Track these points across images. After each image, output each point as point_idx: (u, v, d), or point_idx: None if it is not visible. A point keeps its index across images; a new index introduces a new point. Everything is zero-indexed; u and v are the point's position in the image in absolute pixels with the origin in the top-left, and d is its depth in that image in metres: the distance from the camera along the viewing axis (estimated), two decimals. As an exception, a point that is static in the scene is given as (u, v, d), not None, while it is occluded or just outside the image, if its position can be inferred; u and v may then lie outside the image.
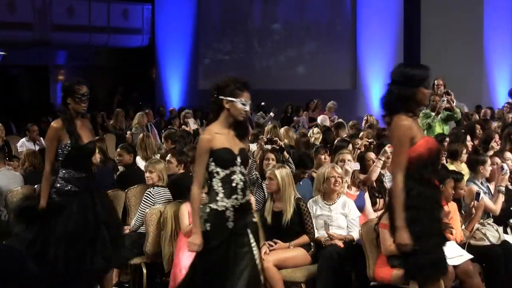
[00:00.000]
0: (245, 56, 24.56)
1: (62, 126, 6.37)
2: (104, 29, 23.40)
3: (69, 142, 6.35)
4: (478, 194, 7.43)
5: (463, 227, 7.29)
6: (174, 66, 24.56)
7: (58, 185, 6.38)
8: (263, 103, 19.76)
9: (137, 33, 24.77)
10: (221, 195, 5.15)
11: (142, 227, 7.77)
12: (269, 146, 8.89)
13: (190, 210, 7.03)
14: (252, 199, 5.76)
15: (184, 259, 6.88)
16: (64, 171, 6.39)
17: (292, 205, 6.99)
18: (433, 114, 11.44)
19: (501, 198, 7.71)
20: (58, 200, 6.34)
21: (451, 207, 7.01)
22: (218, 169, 5.19)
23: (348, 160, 7.96)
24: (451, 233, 6.86)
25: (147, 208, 7.68)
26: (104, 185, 7.99)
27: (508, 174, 7.94)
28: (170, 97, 24.48)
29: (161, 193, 7.94)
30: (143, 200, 7.85)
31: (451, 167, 8.49)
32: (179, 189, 7.74)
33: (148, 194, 7.87)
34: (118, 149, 9.80)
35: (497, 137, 10.17)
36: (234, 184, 5.17)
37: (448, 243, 6.67)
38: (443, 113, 11.60)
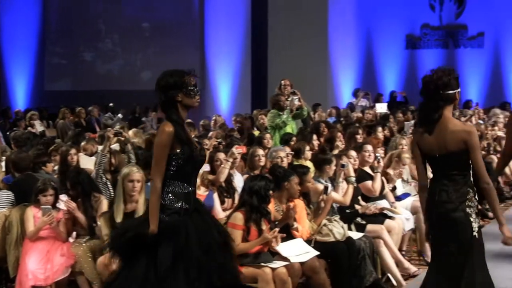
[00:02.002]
0: (92, 56, 24.23)
1: (174, 131, 5.14)
2: None
3: (180, 150, 5.16)
4: (326, 188, 7.60)
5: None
6: (19, 67, 23.90)
7: (166, 202, 5.18)
8: (111, 104, 19.52)
9: (-19, 33, 23.99)
10: None
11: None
12: (117, 147, 8.84)
13: (36, 214, 6.90)
14: None
15: (31, 264, 6.75)
16: (174, 185, 5.22)
17: (143, 205, 6.92)
18: (281, 113, 11.65)
19: (351, 188, 7.92)
20: (170, 220, 5.14)
21: (298, 204, 7.13)
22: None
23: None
24: (297, 231, 6.99)
25: (-9, 213, 7.42)
26: None
27: (350, 167, 8.16)
28: (16, 98, 23.78)
29: (4, 196, 7.68)
30: (-14, 205, 7.59)
31: (298, 163, 8.67)
32: (23, 192, 7.53)
33: (-9, 198, 7.61)
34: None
35: (341, 136, 10.45)
36: None
37: (295, 240, 6.85)
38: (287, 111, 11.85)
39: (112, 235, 5.49)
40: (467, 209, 5.06)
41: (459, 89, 5.17)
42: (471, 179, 5.15)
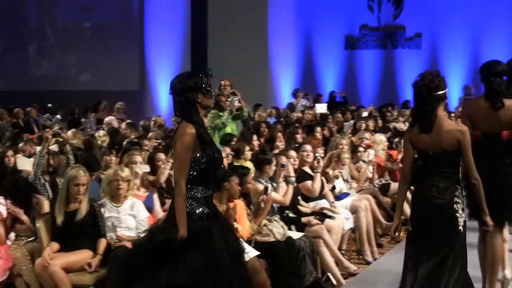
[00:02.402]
0: (31, 56, 23.94)
1: (196, 133, 5.10)
2: None
3: (200, 154, 5.10)
4: (266, 188, 7.62)
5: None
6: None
7: (188, 208, 5.07)
8: (50, 105, 19.28)
9: None
10: None
11: None
12: (56, 148, 8.75)
13: None
14: None
15: None
16: (194, 190, 5.15)
17: (86, 205, 6.89)
18: (221, 114, 11.64)
19: (291, 189, 7.95)
20: (195, 226, 5.05)
21: (238, 204, 7.14)
22: None
23: (140, 162, 7.96)
24: (237, 231, 6.99)
25: None
26: None
27: (290, 167, 8.21)
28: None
29: None
30: None
31: (238, 163, 8.68)
32: None
33: None
34: None
35: (281, 136, 10.49)
36: None
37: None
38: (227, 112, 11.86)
39: (138, 242, 5.36)
40: (455, 205, 5.43)
41: (447, 89, 5.54)
42: (460, 176, 5.51)
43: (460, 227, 5.44)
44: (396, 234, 6.03)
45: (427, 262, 5.47)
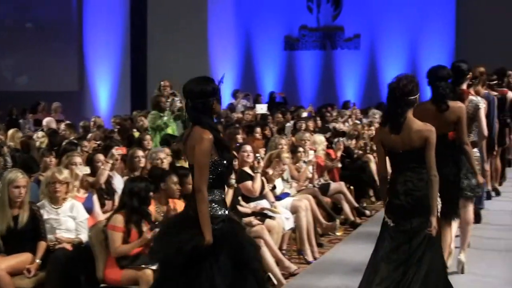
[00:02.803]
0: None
1: (213, 137, 5.13)
2: None
3: (218, 157, 5.15)
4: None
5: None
6: None
7: (212, 212, 5.13)
8: (-14, 106, 18.97)
9: None
10: None
11: None
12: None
13: None
14: None
15: None
16: (214, 193, 5.19)
17: (27, 209, 6.80)
18: (162, 114, 11.61)
19: (231, 191, 7.95)
20: (219, 229, 5.14)
21: (179, 205, 7.12)
22: None
23: (79, 164, 7.89)
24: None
25: None
26: None
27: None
28: None
29: None
30: None
31: (178, 164, 8.67)
32: None
33: None
34: None
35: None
36: None
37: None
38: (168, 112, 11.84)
39: (166, 254, 5.20)
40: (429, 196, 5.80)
41: (419, 93, 5.85)
42: None
43: (438, 214, 5.89)
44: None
45: (403, 252, 5.79)
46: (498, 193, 11.92)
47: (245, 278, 5.18)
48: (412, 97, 5.78)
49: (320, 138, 11.40)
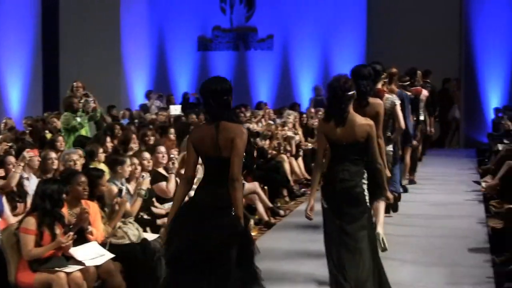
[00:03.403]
0: None
1: None
2: None
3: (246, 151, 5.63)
4: (120, 190, 7.59)
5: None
6: None
7: None
8: None
9: None
10: None
11: None
12: None
13: None
14: None
15: None
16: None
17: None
18: (75, 115, 11.49)
19: (139, 201, 7.92)
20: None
21: (92, 207, 7.09)
22: None
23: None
24: (92, 234, 6.95)
25: None
26: None
27: (148, 179, 8.21)
28: None
29: None
30: None
31: (92, 166, 8.60)
32: None
33: None
34: None
35: (135, 137, 10.47)
36: None
37: (89, 243, 6.80)
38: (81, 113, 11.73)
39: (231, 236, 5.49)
40: (363, 186, 6.44)
41: (354, 90, 6.49)
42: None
43: (367, 203, 6.50)
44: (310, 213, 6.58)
45: (342, 234, 6.39)
46: (405, 190, 12.43)
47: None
48: (351, 92, 6.40)
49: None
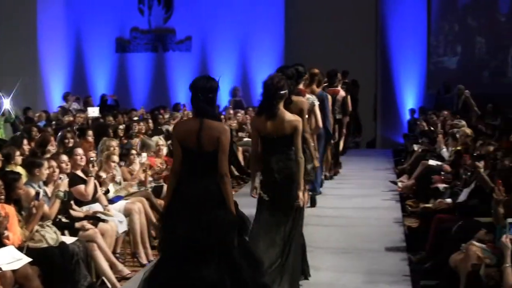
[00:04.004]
0: None
1: None
2: None
3: None
4: (37, 193, 7.48)
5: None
6: None
7: None
8: None
9: None
10: None
11: None
12: None
13: None
14: None
15: None
16: None
17: None
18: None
19: (58, 203, 7.83)
20: None
21: (9, 210, 6.97)
22: None
23: None
24: (8, 238, 6.83)
25: None
26: None
27: (66, 180, 8.12)
28: None
29: None
30: None
31: (8, 169, 8.44)
32: None
33: None
34: None
35: (53, 140, 10.33)
36: None
37: (6, 248, 6.68)
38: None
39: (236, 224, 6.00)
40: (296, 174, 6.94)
41: (287, 89, 7.05)
42: None
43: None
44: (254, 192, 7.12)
45: (273, 222, 6.96)
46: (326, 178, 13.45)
47: None
48: (283, 92, 6.95)
49: (153, 141, 11.42)
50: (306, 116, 7.85)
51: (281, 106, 6.98)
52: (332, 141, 13.00)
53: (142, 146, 11.12)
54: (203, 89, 5.99)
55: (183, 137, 5.97)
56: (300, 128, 6.93)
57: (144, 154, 10.65)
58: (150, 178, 10.49)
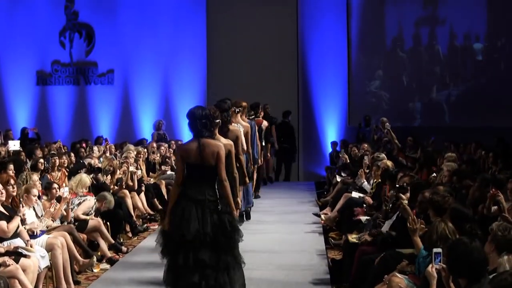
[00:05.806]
0: None
1: None
2: None
3: None
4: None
5: None
6: None
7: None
8: None
9: None
10: None
11: None
12: None
13: None
14: None
15: None
16: None
17: None
18: None
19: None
20: None
21: None
22: None
23: None
24: None
25: None
26: None
27: None
28: None
29: None
30: None
31: None
32: None
33: None
34: None
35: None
36: None
37: None
38: None
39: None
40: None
41: (220, 119, 8.23)
42: None
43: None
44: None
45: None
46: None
47: None
48: (218, 120, 7.87)
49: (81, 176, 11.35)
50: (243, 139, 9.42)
51: (216, 132, 7.97)
52: (256, 166, 13.68)
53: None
54: (199, 116, 7.41)
55: (187, 155, 7.36)
56: (233, 150, 8.04)
57: (66, 188, 10.52)
58: (71, 213, 10.36)
